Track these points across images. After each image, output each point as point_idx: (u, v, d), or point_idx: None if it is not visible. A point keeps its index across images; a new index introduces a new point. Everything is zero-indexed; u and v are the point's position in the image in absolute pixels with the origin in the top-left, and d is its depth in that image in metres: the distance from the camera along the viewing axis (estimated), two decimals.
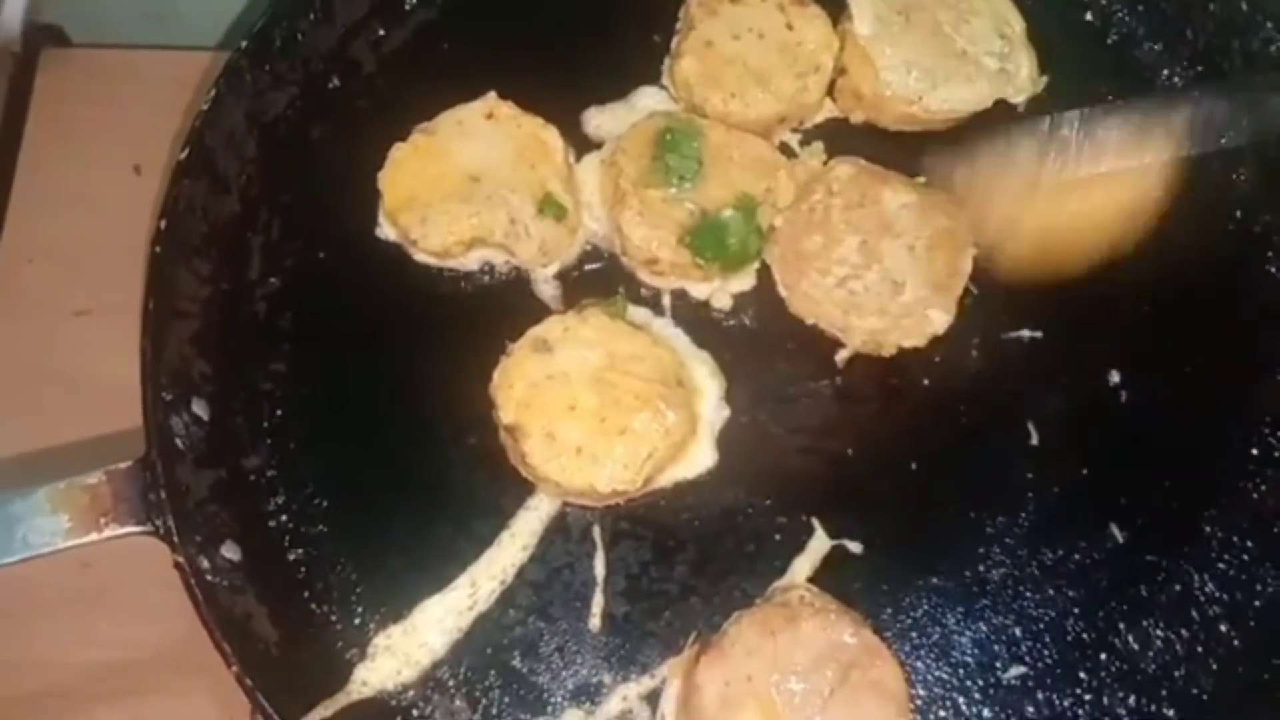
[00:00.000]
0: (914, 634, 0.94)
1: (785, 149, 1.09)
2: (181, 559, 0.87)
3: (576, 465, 0.92)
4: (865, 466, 0.99)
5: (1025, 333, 1.04)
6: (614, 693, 0.92)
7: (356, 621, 0.94)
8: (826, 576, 0.95)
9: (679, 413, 0.95)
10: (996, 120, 1.10)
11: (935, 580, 0.96)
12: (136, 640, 1.04)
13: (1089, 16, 1.17)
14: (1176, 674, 0.94)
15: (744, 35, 1.08)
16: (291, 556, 0.96)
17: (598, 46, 1.12)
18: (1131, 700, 0.93)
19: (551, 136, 1.05)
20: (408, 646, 0.93)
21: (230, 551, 0.92)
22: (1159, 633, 0.95)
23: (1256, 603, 0.96)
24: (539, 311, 1.02)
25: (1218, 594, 0.96)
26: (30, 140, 1.24)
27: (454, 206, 1.02)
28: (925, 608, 0.95)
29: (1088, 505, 0.99)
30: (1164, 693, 0.93)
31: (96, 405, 1.08)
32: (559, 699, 0.92)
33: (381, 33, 1.14)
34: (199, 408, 0.96)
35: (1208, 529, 0.98)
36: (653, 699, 0.92)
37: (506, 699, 0.92)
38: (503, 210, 1.02)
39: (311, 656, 0.92)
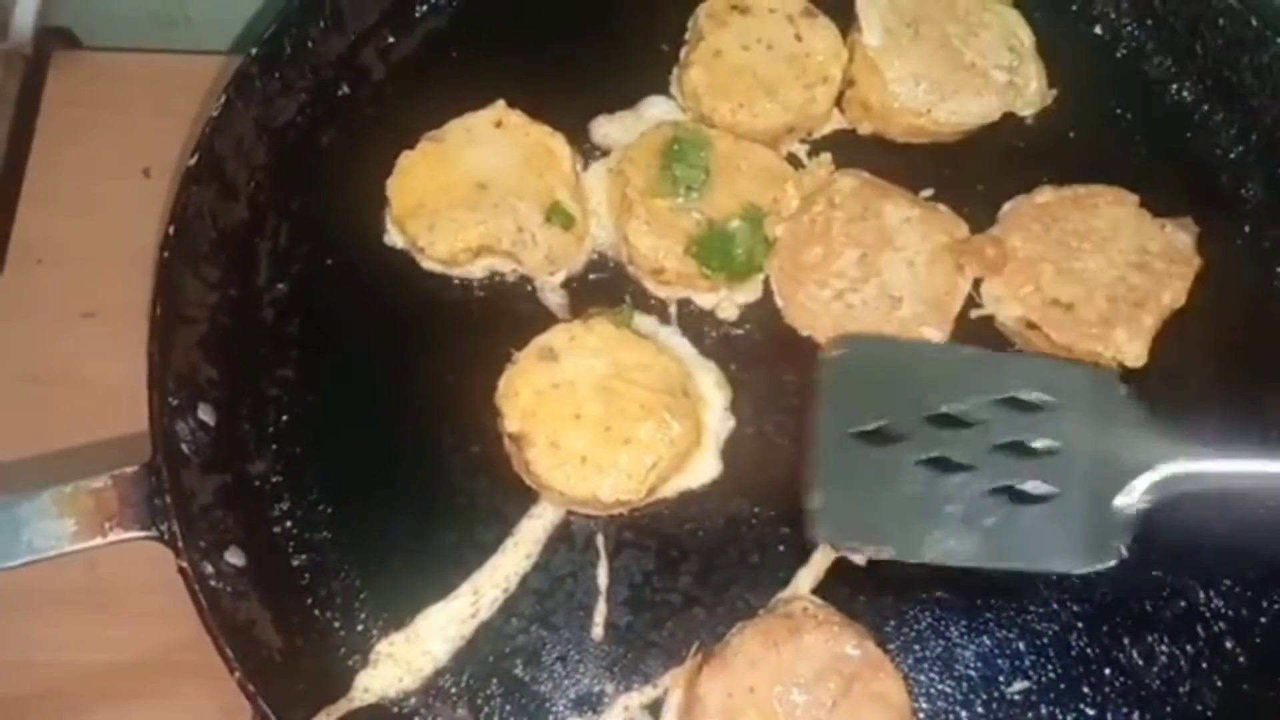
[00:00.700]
0: (917, 647, 0.94)
1: (793, 160, 1.09)
2: (185, 564, 0.87)
3: (581, 474, 0.93)
4: None
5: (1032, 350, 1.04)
6: (616, 702, 0.92)
7: (359, 628, 0.94)
8: (830, 588, 0.95)
9: (684, 423, 0.95)
10: (1005, 133, 1.10)
11: (939, 594, 0.96)
12: (139, 643, 1.04)
13: (1098, 30, 1.17)
14: (1181, 690, 0.94)
15: (753, 46, 1.09)
16: (295, 562, 0.96)
17: (606, 55, 1.12)
18: (1135, 716, 0.93)
19: (559, 145, 1.06)
20: (410, 654, 0.93)
21: (234, 557, 0.93)
22: (1163, 648, 0.95)
23: (1262, 619, 0.96)
24: (545, 320, 1.03)
25: (1223, 610, 0.96)
26: (40, 142, 1.24)
27: (462, 214, 1.02)
28: (929, 621, 0.95)
29: None
30: (1168, 709, 0.93)
31: (103, 407, 1.09)
32: (561, 708, 0.92)
33: (391, 40, 1.14)
34: (205, 413, 0.97)
35: (1213, 543, 0.98)
36: (655, 709, 0.92)
37: (508, 707, 0.92)
38: (510, 218, 1.02)
39: (314, 663, 0.92)
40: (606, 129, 1.10)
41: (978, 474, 0.93)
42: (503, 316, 1.04)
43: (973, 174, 1.09)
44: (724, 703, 0.88)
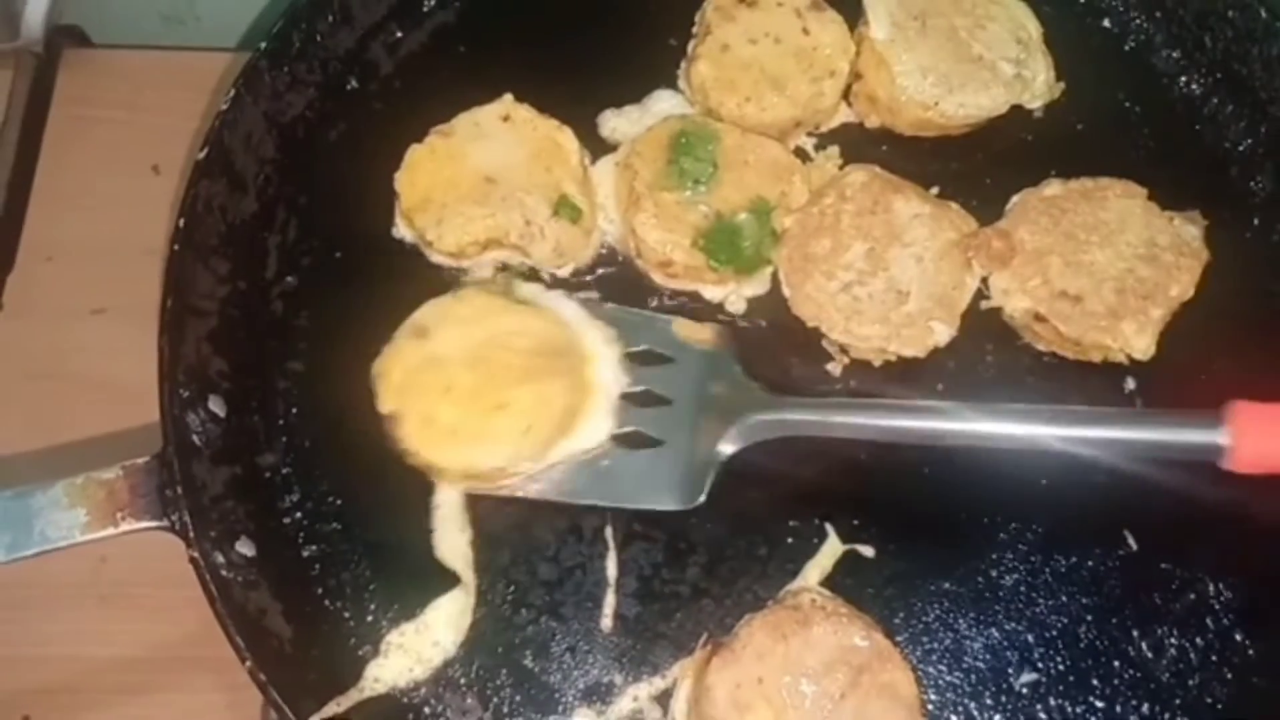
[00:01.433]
0: (926, 639, 0.94)
1: (800, 153, 1.09)
2: (196, 554, 0.88)
3: (453, 447, 0.91)
4: (879, 471, 0.99)
5: (1040, 343, 1.04)
6: (625, 693, 0.92)
7: (369, 619, 0.94)
8: (838, 580, 0.95)
9: (559, 381, 0.93)
10: (1013, 126, 1.10)
11: (948, 585, 0.96)
12: (148, 638, 1.05)
13: (1106, 23, 1.17)
14: (1190, 682, 0.93)
15: (760, 40, 1.09)
16: (305, 553, 0.96)
17: (613, 50, 1.12)
18: (1145, 708, 0.93)
19: (567, 139, 1.06)
20: (420, 644, 0.93)
21: (245, 547, 0.93)
22: (1173, 641, 0.95)
23: (1272, 612, 0.95)
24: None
25: (1233, 602, 0.96)
26: (50, 140, 1.25)
27: (470, 208, 1.02)
28: (937, 613, 0.95)
29: (1101, 512, 0.98)
30: (1178, 701, 0.93)
31: (112, 402, 1.09)
32: (570, 699, 0.92)
33: (399, 35, 1.15)
34: (215, 405, 0.97)
35: (1222, 537, 0.98)
36: (664, 700, 0.93)
37: (518, 698, 0.92)
38: (518, 212, 1.02)
39: (324, 653, 0.92)
40: (614, 123, 1.10)
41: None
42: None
43: (980, 167, 1.09)
44: (732, 694, 0.88)
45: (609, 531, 0.96)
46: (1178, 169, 1.09)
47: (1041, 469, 0.98)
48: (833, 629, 0.89)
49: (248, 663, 0.85)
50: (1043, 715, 0.92)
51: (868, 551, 0.96)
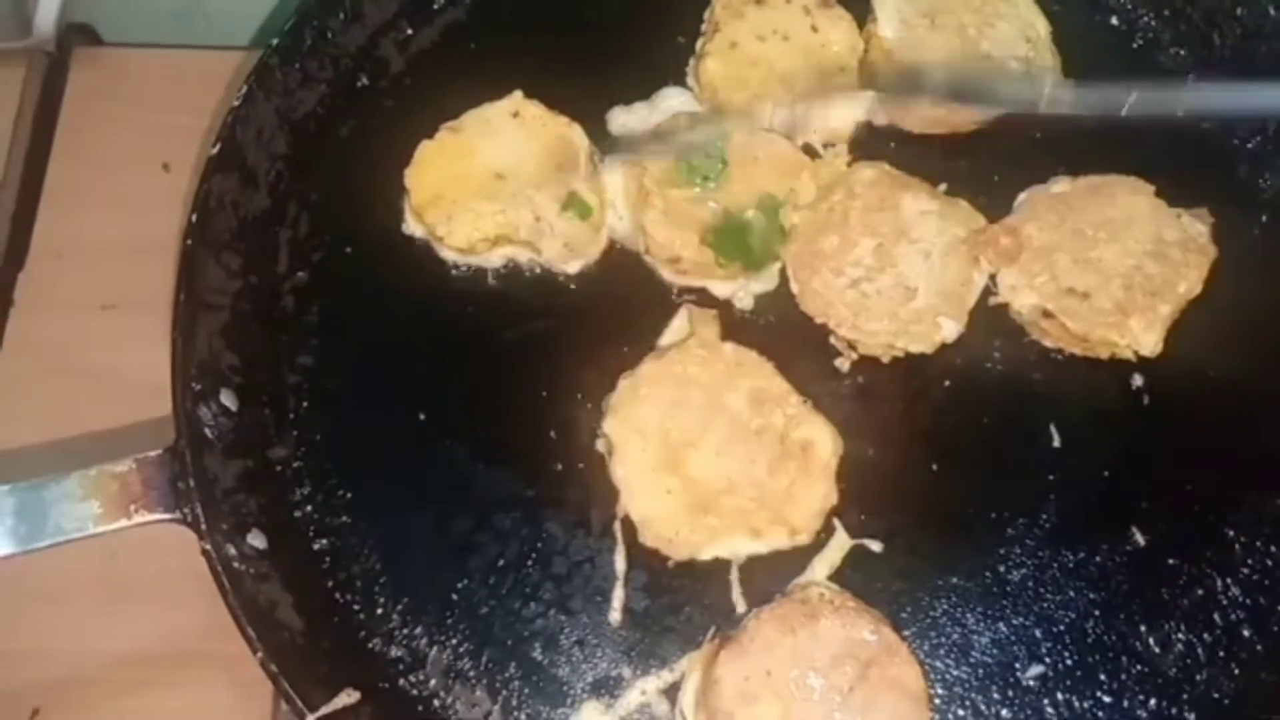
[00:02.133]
0: (933, 633, 0.94)
1: (808, 150, 1.09)
2: (209, 546, 0.88)
3: None
4: (886, 466, 0.99)
5: (1048, 340, 1.04)
6: (633, 686, 0.93)
7: (379, 611, 0.95)
8: (846, 575, 0.95)
9: None
10: (1020, 124, 1.10)
11: (955, 580, 0.96)
12: (158, 632, 1.05)
13: (1114, 21, 1.17)
14: (1198, 678, 0.94)
15: (769, 37, 1.09)
16: (316, 546, 0.97)
17: (623, 47, 1.13)
18: (1152, 703, 0.93)
19: (577, 135, 1.06)
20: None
21: (256, 540, 0.93)
22: (1180, 636, 0.95)
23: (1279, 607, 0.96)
24: (562, 308, 1.04)
25: (1240, 598, 0.96)
26: (62, 137, 1.25)
27: (479, 204, 1.03)
28: (945, 607, 0.95)
29: (1109, 508, 0.99)
30: (1185, 696, 0.93)
31: (124, 396, 1.10)
32: (579, 691, 0.93)
33: (410, 32, 1.15)
34: (227, 398, 0.98)
35: (1230, 533, 0.98)
36: (672, 693, 0.93)
37: (526, 690, 0.93)
38: (527, 208, 1.03)
39: (335, 645, 0.93)
40: (623, 120, 1.10)
41: None
42: (519, 304, 1.04)
43: (988, 164, 1.09)
44: (741, 687, 0.88)
45: (618, 525, 0.97)
46: (1185, 166, 1.09)
47: (1050, 463, 0.99)
48: (841, 623, 0.90)
49: (259, 654, 0.86)
50: (1050, 710, 0.93)
51: (875, 546, 0.96)
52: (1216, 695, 0.93)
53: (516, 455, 0.99)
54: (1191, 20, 1.15)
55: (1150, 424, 1.02)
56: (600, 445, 0.98)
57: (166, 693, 1.03)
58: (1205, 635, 0.95)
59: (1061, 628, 0.95)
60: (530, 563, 0.96)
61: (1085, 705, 0.93)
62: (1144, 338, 1.01)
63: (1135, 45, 1.17)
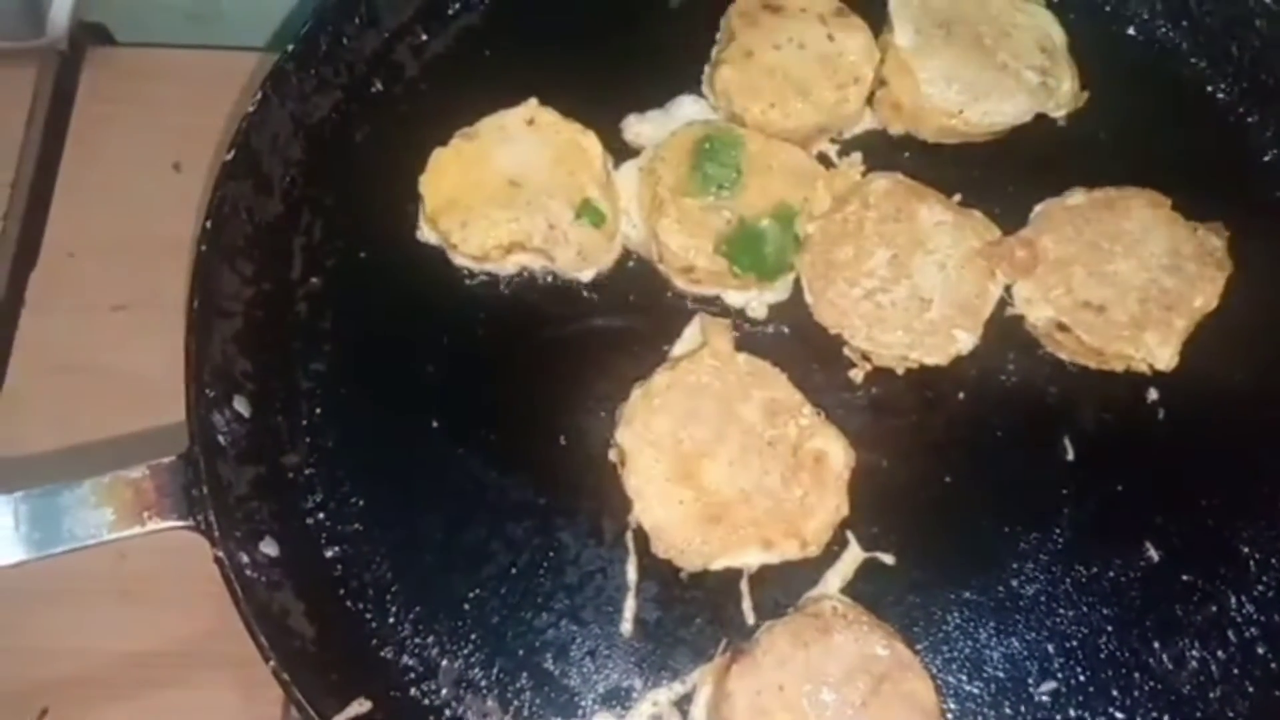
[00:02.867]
0: (946, 648, 0.94)
1: (824, 159, 1.09)
2: (221, 554, 0.88)
3: None
4: (899, 479, 0.99)
5: (1063, 353, 1.04)
6: (645, 698, 0.93)
7: (391, 620, 0.95)
8: (858, 587, 0.95)
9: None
10: (1036, 135, 1.10)
11: (968, 594, 0.96)
12: (167, 633, 1.05)
13: (1132, 31, 1.17)
14: (1211, 695, 0.93)
15: (785, 45, 1.09)
16: (329, 554, 0.97)
17: (637, 54, 1.12)
18: None
19: (591, 143, 1.06)
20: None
21: (269, 547, 0.93)
22: (1194, 653, 0.94)
23: None
24: (575, 317, 1.03)
25: (1255, 615, 0.95)
26: (74, 136, 1.25)
27: (494, 211, 1.02)
28: (957, 621, 0.95)
29: (1123, 523, 0.98)
30: (1198, 714, 0.93)
31: (134, 397, 1.10)
32: (590, 702, 0.93)
33: (425, 38, 1.15)
34: (240, 405, 0.97)
35: (1245, 549, 0.98)
36: (683, 705, 0.93)
37: (538, 701, 0.93)
38: (541, 216, 1.03)
39: (346, 653, 0.93)
40: (638, 128, 1.10)
41: None
42: (532, 312, 1.04)
43: (1003, 175, 1.09)
44: (753, 701, 0.88)
45: (629, 536, 0.97)
46: (1202, 179, 1.09)
47: (1063, 477, 0.99)
48: (854, 637, 0.90)
49: (271, 663, 0.86)
50: None
51: (888, 559, 0.96)
52: (1231, 714, 0.93)
53: (529, 464, 0.99)
54: (1210, 31, 1.14)
55: (1165, 438, 1.01)
56: (613, 455, 0.98)
57: (176, 693, 1.03)
58: (1219, 652, 0.94)
59: (1074, 643, 0.95)
60: (542, 572, 0.96)
61: None
62: (1159, 352, 1.00)
63: (1153, 56, 1.16)
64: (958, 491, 0.99)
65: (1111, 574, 0.97)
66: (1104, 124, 1.11)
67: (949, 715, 0.92)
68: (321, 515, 0.98)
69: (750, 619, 0.94)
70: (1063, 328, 1.02)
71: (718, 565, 0.95)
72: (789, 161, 1.06)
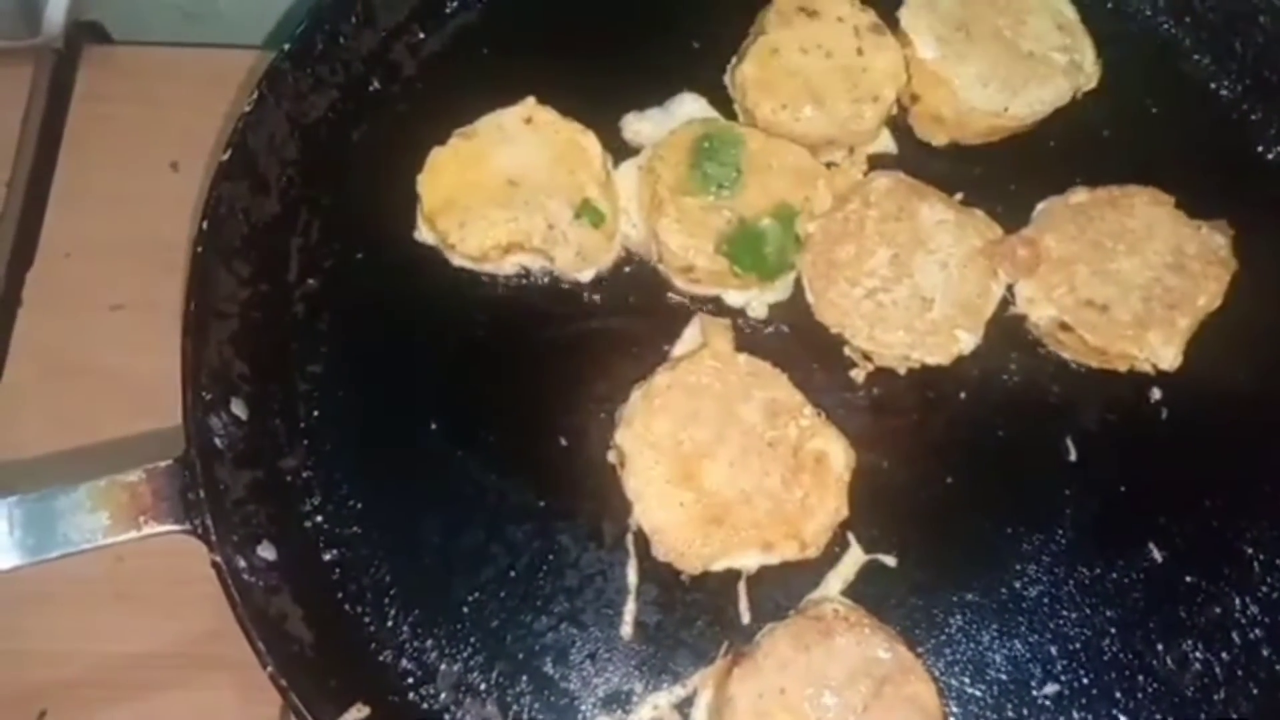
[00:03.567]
0: (948, 650, 0.94)
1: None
2: (219, 558, 0.88)
3: None
4: (901, 480, 0.99)
5: (1066, 352, 1.03)
6: (645, 701, 0.92)
7: (389, 624, 0.94)
8: (860, 589, 0.95)
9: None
10: (1038, 132, 1.09)
11: (970, 596, 0.95)
12: (163, 636, 1.05)
13: (1134, 28, 1.16)
14: (1215, 697, 0.93)
15: (812, 51, 1.07)
16: (327, 557, 0.96)
17: (636, 53, 1.12)
18: None
19: (590, 142, 1.05)
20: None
21: (266, 551, 0.93)
22: (1198, 655, 0.94)
23: None
24: (575, 316, 1.03)
25: (1259, 617, 0.95)
26: (70, 136, 1.25)
27: (492, 211, 1.02)
28: (960, 623, 0.94)
29: (1126, 524, 0.98)
30: (1202, 716, 0.92)
31: (130, 400, 1.09)
32: (590, 706, 0.92)
33: (422, 36, 1.14)
34: (237, 408, 0.97)
35: (1249, 550, 0.97)
36: (684, 708, 0.92)
37: (537, 704, 0.92)
38: (540, 215, 1.02)
39: (345, 658, 0.92)
40: (637, 126, 1.09)
41: None
42: (532, 313, 1.03)
43: (1005, 174, 1.08)
44: (754, 704, 0.88)
45: (629, 538, 0.96)
46: (1206, 176, 1.08)
47: (1066, 477, 0.98)
48: (855, 640, 0.89)
49: (269, 668, 0.85)
50: None
51: (889, 561, 0.96)
52: (1235, 715, 0.92)
53: (528, 466, 0.98)
54: (1213, 27, 1.13)
55: (1168, 438, 1.01)
56: (612, 456, 0.97)
57: (174, 695, 1.03)
58: (1223, 654, 0.94)
59: (1077, 645, 0.94)
60: (542, 575, 0.95)
61: None
62: (1163, 351, 1.00)
63: (1155, 52, 1.15)
64: (960, 492, 0.98)
65: (1114, 575, 0.96)
66: (1106, 121, 1.10)
67: (951, 718, 0.91)
68: (319, 518, 0.97)
69: (746, 619, 0.93)
70: (1065, 327, 1.01)
71: (718, 567, 0.94)
72: (789, 160, 1.05)
